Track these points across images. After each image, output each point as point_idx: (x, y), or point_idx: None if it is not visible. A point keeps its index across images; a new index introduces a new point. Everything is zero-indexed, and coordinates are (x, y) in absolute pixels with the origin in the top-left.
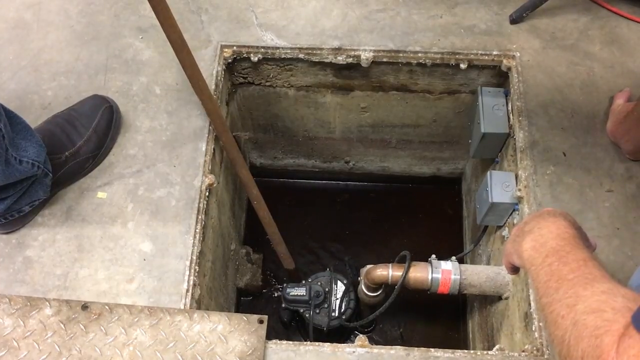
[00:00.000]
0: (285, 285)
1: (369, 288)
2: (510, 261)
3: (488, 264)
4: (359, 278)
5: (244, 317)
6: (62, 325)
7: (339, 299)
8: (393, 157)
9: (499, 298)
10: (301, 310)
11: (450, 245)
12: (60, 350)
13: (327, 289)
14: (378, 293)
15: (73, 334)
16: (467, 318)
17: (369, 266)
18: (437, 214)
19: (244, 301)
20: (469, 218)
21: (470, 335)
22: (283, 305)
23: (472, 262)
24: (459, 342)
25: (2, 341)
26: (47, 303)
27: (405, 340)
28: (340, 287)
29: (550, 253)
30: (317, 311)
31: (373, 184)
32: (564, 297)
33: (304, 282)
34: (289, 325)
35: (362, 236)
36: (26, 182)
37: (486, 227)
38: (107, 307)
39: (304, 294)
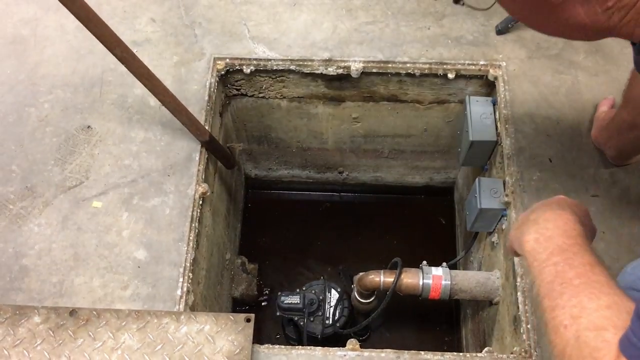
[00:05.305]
0: (279, 293)
1: (361, 295)
2: (514, 248)
3: (479, 270)
4: (352, 286)
5: (231, 317)
6: (51, 333)
7: (333, 307)
8: (386, 167)
9: (490, 303)
10: (295, 318)
11: (444, 254)
12: (49, 357)
13: (321, 297)
14: (371, 300)
15: (62, 341)
16: (461, 326)
17: (361, 273)
18: (431, 224)
19: (240, 311)
20: (462, 226)
21: (464, 343)
22: (277, 313)
23: (465, 269)
24: (453, 350)
25: None
26: (36, 311)
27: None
28: (334, 295)
29: (556, 251)
30: (312, 319)
31: (367, 195)
32: (568, 305)
33: (298, 290)
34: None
35: (356, 246)
36: None
37: (477, 233)
38: (94, 312)
39: (298, 302)
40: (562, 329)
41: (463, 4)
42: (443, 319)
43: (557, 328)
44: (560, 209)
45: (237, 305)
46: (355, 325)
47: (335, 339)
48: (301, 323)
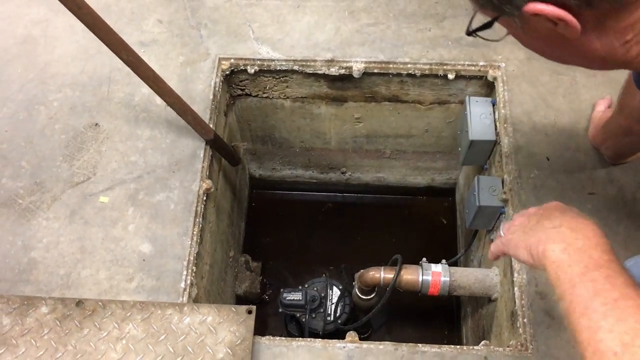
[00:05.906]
0: (282, 290)
1: (362, 291)
2: (513, 254)
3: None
4: (353, 283)
5: (233, 308)
6: (58, 322)
7: (335, 304)
8: (388, 167)
9: (489, 300)
10: (298, 315)
11: (446, 254)
12: (56, 347)
13: (322, 294)
14: (371, 296)
15: (68, 330)
16: (462, 324)
17: (362, 270)
18: (433, 224)
19: None
20: (463, 227)
21: (465, 340)
22: (280, 309)
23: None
24: None
25: (2, 339)
26: (43, 301)
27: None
28: (335, 292)
29: (592, 266)
30: (313, 316)
31: (369, 195)
32: (617, 330)
33: (300, 287)
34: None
35: (358, 246)
36: None
37: (477, 232)
38: (100, 303)
39: (300, 298)
40: (612, 356)
41: (476, 36)
42: (444, 318)
43: (604, 354)
44: (581, 217)
45: (241, 303)
46: (356, 322)
47: (336, 335)
48: (303, 319)
